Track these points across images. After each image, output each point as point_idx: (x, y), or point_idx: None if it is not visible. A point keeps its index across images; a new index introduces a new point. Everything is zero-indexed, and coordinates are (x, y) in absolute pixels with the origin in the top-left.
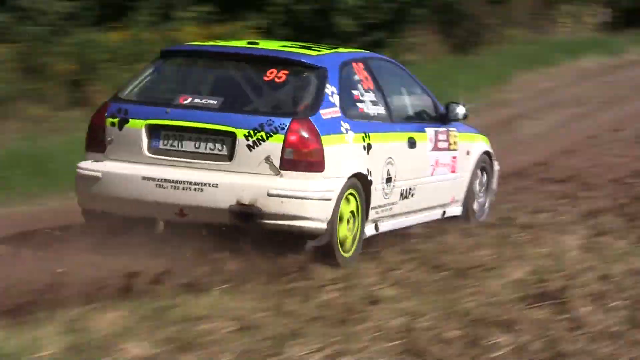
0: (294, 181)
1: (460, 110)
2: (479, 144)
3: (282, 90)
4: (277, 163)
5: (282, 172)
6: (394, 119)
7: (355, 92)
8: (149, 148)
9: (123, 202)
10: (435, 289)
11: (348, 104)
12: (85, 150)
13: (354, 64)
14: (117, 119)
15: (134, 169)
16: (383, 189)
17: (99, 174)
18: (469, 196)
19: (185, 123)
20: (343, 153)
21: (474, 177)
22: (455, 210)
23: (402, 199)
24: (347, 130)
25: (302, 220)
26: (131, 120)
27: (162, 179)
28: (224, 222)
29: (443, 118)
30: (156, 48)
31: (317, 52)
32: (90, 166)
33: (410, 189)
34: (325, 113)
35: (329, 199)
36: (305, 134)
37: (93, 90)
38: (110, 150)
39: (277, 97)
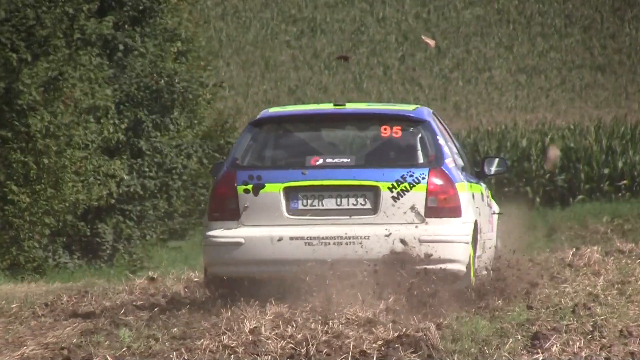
0: (440, 227)
1: (496, 165)
2: (494, 203)
3: (402, 144)
4: (422, 211)
5: (426, 219)
6: (466, 170)
7: (449, 143)
8: (289, 210)
9: (269, 263)
10: None
11: (452, 154)
12: (209, 220)
13: (435, 117)
14: (251, 185)
15: (277, 231)
16: (480, 239)
17: (241, 240)
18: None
19: (326, 182)
20: (468, 199)
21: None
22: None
23: (483, 253)
24: (461, 178)
25: (449, 263)
26: (267, 185)
27: (310, 237)
28: (377, 271)
29: (478, 173)
30: None
31: (412, 107)
32: (226, 234)
33: (485, 242)
34: (449, 162)
35: (467, 242)
36: (443, 182)
37: None
38: (246, 217)
39: (401, 150)
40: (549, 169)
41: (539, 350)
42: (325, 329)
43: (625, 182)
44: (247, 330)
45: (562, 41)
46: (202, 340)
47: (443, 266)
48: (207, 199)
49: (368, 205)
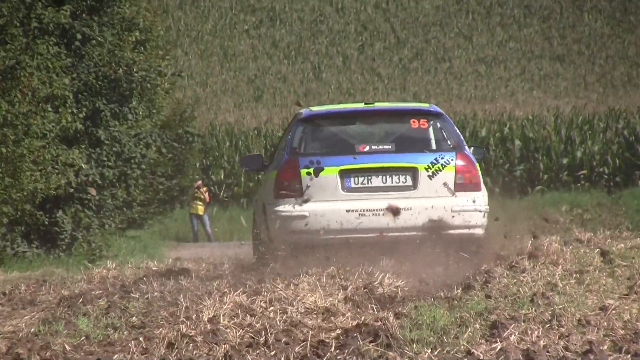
0: (466, 199)
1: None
2: None
3: (429, 133)
4: (452, 186)
5: (456, 193)
6: None
7: None
8: (343, 188)
9: (329, 232)
10: None
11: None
12: (275, 198)
13: None
14: (312, 169)
15: (336, 205)
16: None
17: (306, 213)
18: None
19: (373, 165)
20: (482, 177)
21: None
22: None
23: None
24: (476, 160)
25: (473, 228)
26: (325, 168)
27: (363, 210)
28: (418, 236)
29: None
30: None
31: (426, 104)
32: (292, 209)
33: None
34: (467, 147)
35: (487, 211)
36: (467, 163)
37: None
38: (308, 194)
39: (430, 138)
40: None
41: (498, 339)
42: (284, 318)
43: (584, 172)
44: (205, 319)
45: (521, 31)
46: (160, 330)
47: (469, 231)
48: (273, 180)
49: (409, 183)
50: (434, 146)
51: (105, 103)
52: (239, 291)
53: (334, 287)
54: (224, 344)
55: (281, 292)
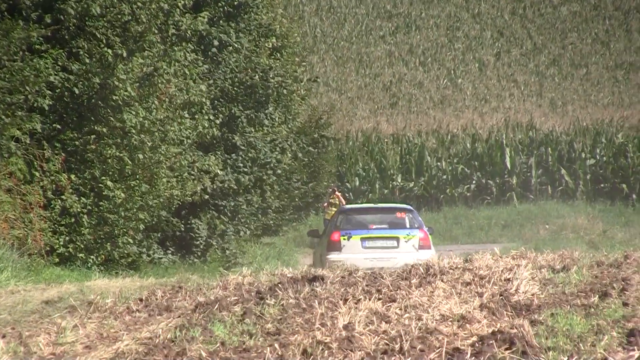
0: (424, 254)
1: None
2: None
3: (405, 219)
4: (416, 247)
5: (419, 250)
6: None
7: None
8: (362, 247)
9: (354, 267)
10: None
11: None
12: (327, 251)
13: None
14: (347, 237)
15: (359, 256)
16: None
17: (343, 259)
18: None
19: (378, 235)
20: (431, 241)
21: None
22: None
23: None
24: (429, 233)
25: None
26: (353, 236)
27: (372, 258)
28: (399, 270)
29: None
30: None
31: (403, 204)
32: (336, 257)
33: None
34: (425, 227)
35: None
36: (424, 235)
37: None
38: (344, 250)
39: (405, 222)
40: None
41: (635, 347)
42: (419, 325)
43: None
44: (340, 326)
45: None
46: (295, 336)
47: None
48: (327, 242)
49: (395, 245)
50: (407, 226)
51: (241, 109)
52: (373, 297)
53: (470, 294)
54: (359, 350)
55: (417, 298)
